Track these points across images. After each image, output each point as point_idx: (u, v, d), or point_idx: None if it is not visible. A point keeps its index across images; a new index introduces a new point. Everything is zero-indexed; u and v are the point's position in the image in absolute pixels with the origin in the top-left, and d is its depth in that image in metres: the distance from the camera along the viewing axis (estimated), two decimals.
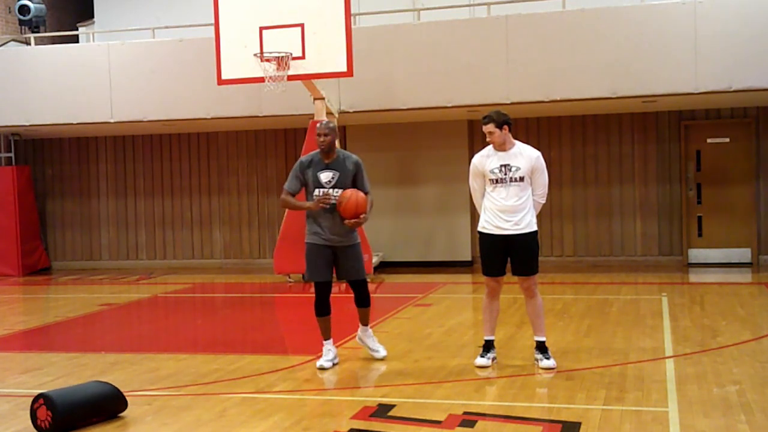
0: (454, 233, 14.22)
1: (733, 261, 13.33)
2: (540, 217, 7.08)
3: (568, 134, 13.89)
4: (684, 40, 11.51)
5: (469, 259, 14.05)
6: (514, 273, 6.69)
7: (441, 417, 5.42)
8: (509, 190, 6.52)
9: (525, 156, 6.59)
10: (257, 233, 15.18)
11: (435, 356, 7.24)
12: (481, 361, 6.76)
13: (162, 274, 14.62)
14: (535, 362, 6.71)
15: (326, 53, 10.99)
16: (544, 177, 6.65)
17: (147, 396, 6.15)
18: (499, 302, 6.89)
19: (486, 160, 6.62)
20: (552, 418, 5.44)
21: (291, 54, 10.99)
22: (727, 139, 13.44)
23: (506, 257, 6.65)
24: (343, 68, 11.02)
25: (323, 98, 11.93)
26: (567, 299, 10.37)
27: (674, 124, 13.56)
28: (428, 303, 10.36)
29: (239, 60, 11.22)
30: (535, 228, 6.63)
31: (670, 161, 13.57)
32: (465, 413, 5.49)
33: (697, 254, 13.52)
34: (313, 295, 6.90)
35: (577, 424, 5.18)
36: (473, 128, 14.07)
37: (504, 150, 6.59)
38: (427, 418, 5.42)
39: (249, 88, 12.13)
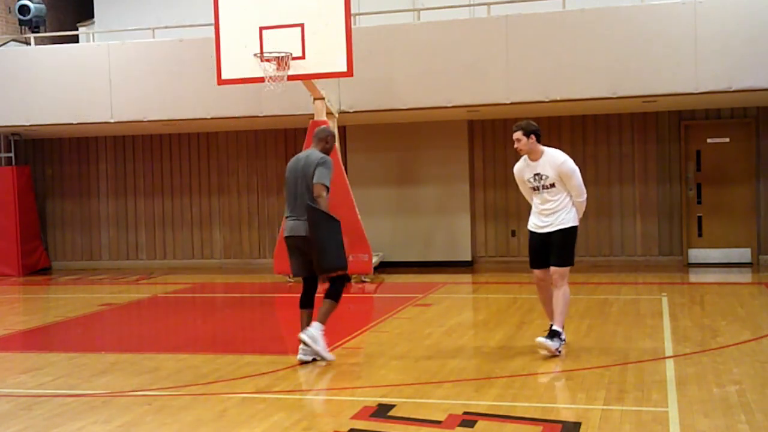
0: (454, 233, 14.21)
1: (733, 261, 13.32)
2: None
3: (568, 134, 13.88)
4: (684, 40, 11.51)
5: (469, 259, 14.05)
6: (549, 264, 7.10)
7: (441, 417, 5.41)
8: (543, 197, 7.08)
9: (550, 164, 7.04)
10: (257, 233, 15.18)
11: (435, 356, 7.24)
12: (543, 341, 6.97)
13: (162, 274, 14.61)
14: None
15: (326, 53, 10.98)
16: (574, 180, 7.04)
17: (147, 396, 6.15)
18: (550, 292, 7.15)
19: (524, 169, 7.16)
20: (552, 418, 5.43)
21: (291, 54, 10.99)
22: (727, 139, 13.44)
23: (546, 252, 7.12)
24: (343, 68, 11.02)
25: (323, 98, 11.93)
26: None
27: (674, 124, 13.56)
28: (428, 303, 10.35)
29: (239, 60, 11.22)
30: (568, 225, 7.02)
31: (670, 161, 13.57)
32: (465, 413, 5.48)
33: (697, 254, 13.51)
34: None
35: (577, 424, 5.18)
36: (473, 128, 14.07)
37: (535, 160, 7.06)
38: (427, 418, 5.41)
39: (249, 87, 12.12)
